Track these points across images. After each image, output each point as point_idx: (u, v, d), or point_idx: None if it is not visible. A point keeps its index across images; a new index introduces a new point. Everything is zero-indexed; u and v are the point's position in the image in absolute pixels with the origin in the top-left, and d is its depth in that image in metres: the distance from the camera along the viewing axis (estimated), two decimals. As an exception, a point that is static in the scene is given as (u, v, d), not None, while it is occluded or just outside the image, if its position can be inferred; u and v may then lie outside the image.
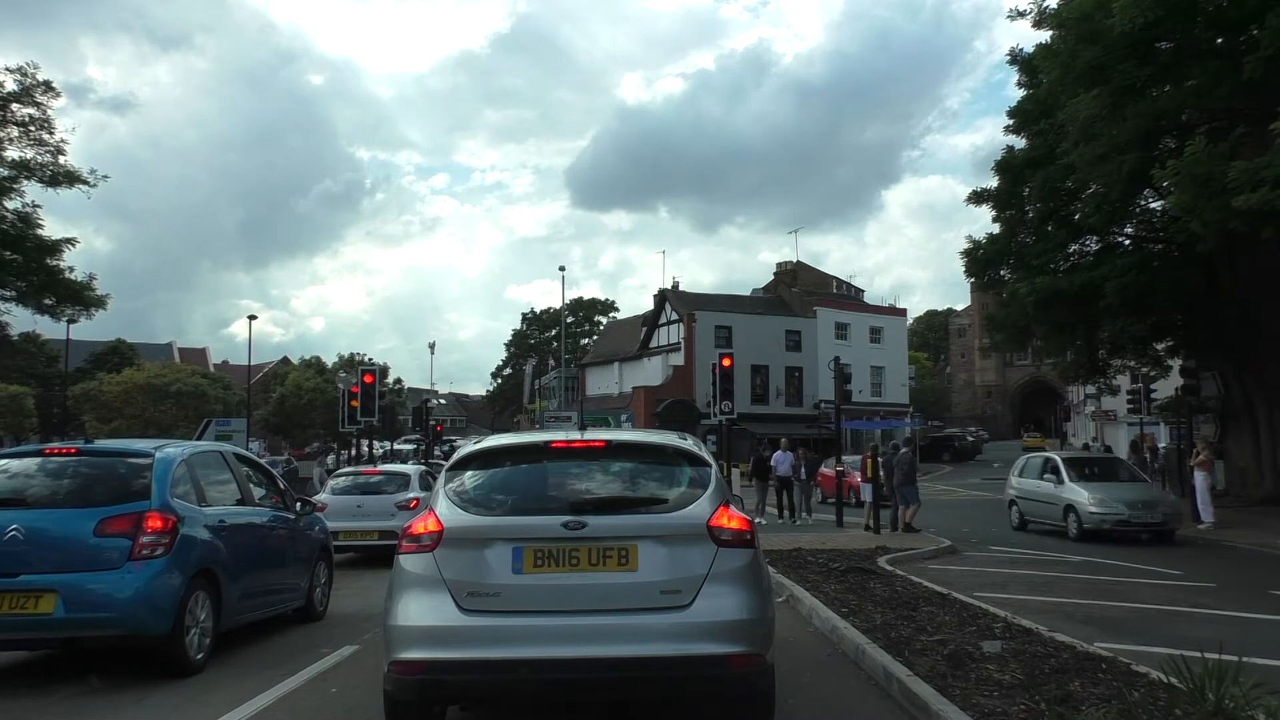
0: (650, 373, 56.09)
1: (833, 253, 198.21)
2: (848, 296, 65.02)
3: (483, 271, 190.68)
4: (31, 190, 28.87)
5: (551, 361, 78.45)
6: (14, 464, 7.29)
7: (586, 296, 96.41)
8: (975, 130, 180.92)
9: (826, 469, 24.25)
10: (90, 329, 45.68)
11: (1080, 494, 17.63)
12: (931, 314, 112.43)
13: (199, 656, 6.90)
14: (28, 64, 28.62)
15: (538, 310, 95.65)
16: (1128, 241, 23.79)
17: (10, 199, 28.48)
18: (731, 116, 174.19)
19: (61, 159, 28.88)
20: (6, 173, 28.43)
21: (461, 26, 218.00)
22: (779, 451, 21.84)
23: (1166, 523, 17.17)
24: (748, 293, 65.21)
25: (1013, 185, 23.86)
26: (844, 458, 21.79)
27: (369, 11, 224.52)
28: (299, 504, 9.23)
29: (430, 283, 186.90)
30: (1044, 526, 18.79)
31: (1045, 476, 19.11)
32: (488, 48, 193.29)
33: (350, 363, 67.53)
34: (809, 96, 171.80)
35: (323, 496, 14.82)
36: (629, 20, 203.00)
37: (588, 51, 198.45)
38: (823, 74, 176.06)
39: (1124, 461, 21.68)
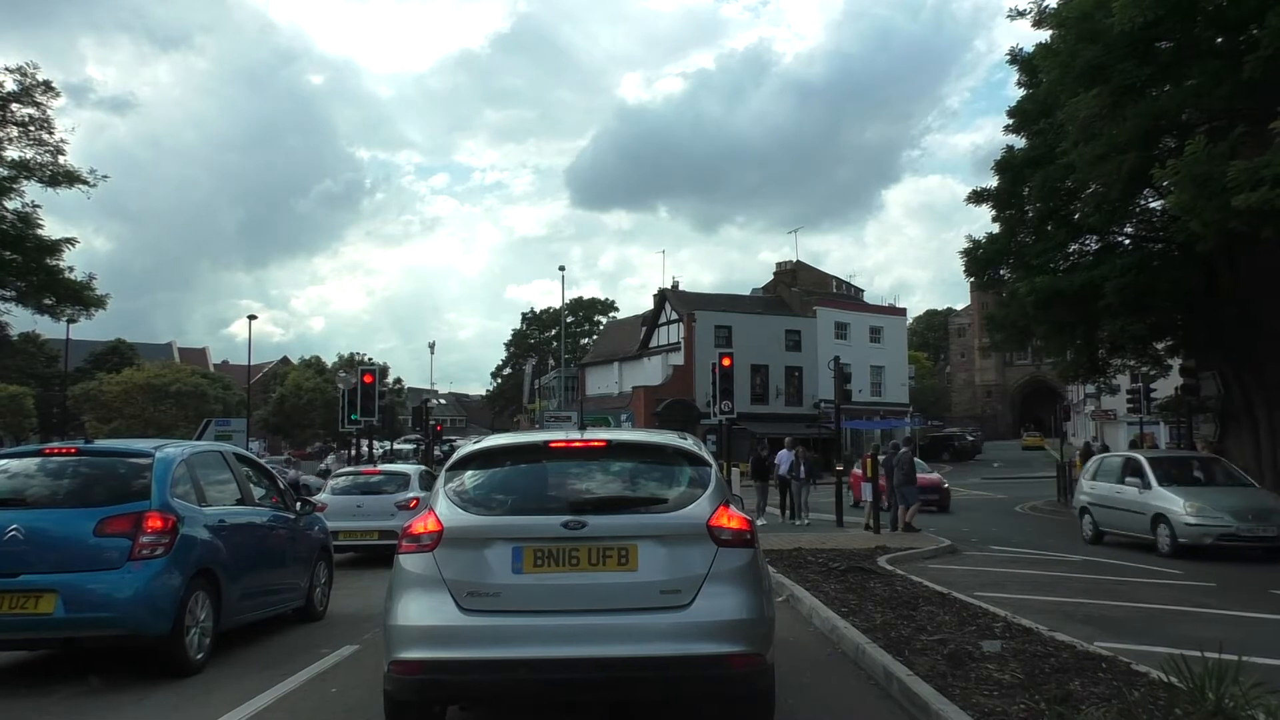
0: (650, 372, 56.09)
1: (833, 252, 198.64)
2: (847, 296, 65.03)
3: (483, 271, 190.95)
4: (31, 190, 28.87)
5: (551, 361, 78.46)
6: (14, 464, 7.29)
7: (586, 296, 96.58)
8: (975, 130, 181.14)
9: (858, 470, 24.04)
10: (90, 329, 45.80)
11: (1174, 501, 14.83)
12: (931, 314, 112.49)
13: (199, 656, 6.90)
14: (27, 64, 28.62)
15: (537, 310, 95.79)
16: (1127, 241, 23.79)
17: (10, 199, 28.47)
18: (732, 116, 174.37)
19: (61, 159, 28.87)
20: (6, 173, 28.38)
21: (462, 26, 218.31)
22: (782, 450, 21.73)
23: None
24: (747, 293, 65.23)
25: (1012, 185, 23.86)
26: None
27: (369, 11, 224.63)
28: (299, 504, 9.24)
29: (430, 283, 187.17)
30: (1126, 539, 16.23)
31: (1127, 480, 16.34)
32: (488, 47, 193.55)
33: (350, 363, 67.57)
34: (809, 96, 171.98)
35: (323, 496, 14.84)
36: (629, 20, 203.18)
37: (588, 51, 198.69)
38: (823, 73, 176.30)
39: (1223, 461, 18.20)
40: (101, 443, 8.43)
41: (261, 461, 10.32)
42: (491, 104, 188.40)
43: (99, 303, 30.71)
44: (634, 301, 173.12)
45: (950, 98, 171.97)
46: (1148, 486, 15.68)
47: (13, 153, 28.57)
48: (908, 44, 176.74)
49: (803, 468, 21.34)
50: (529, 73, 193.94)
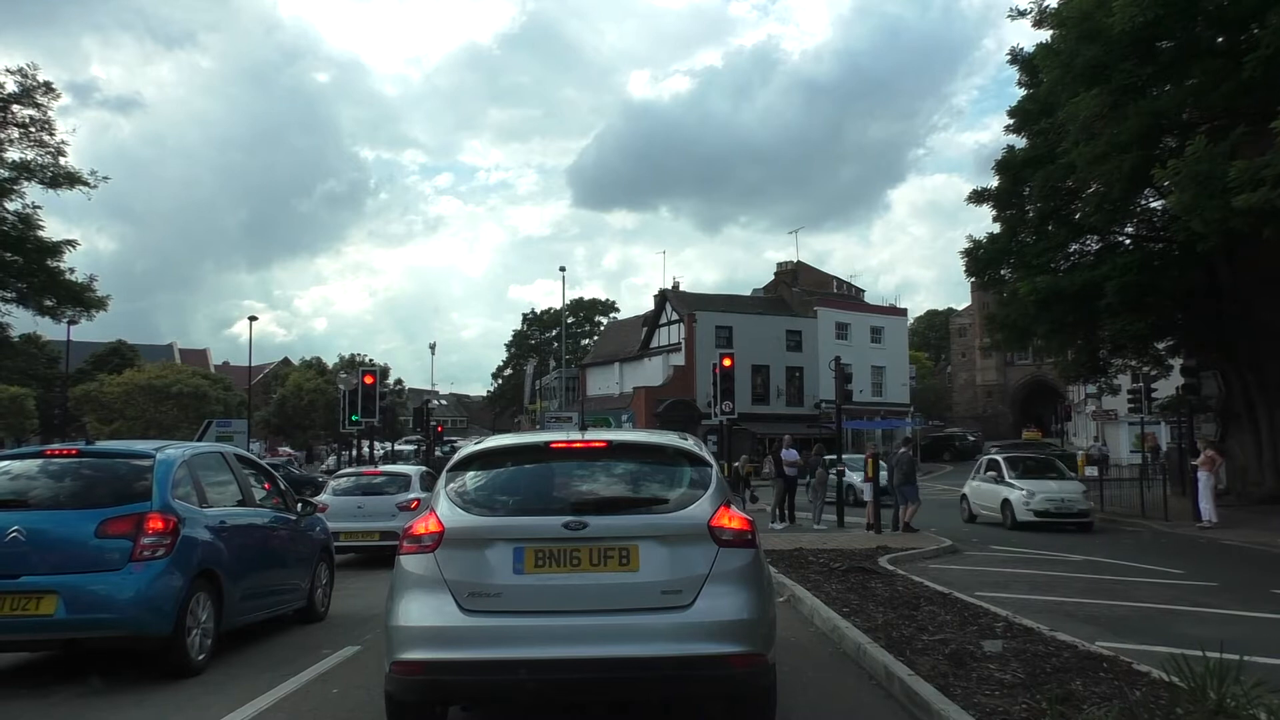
0: (651, 373, 56.09)
1: (837, 252, 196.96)
2: (848, 296, 65.02)
3: (486, 272, 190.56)
4: (32, 192, 28.96)
5: (552, 362, 78.48)
6: (15, 465, 7.29)
7: (589, 296, 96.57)
8: (983, 128, 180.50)
9: None
10: (93, 330, 45.94)
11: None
12: (932, 314, 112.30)
13: (200, 658, 6.90)
14: (28, 65, 28.73)
15: (538, 311, 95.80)
16: (1128, 240, 23.83)
17: (11, 200, 28.52)
18: (738, 115, 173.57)
19: (62, 160, 28.96)
20: (7, 174, 28.46)
21: (469, 23, 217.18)
22: (785, 449, 21.54)
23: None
24: (751, 292, 65.21)
25: (1013, 185, 23.89)
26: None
27: (376, 7, 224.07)
28: (300, 505, 9.24)
29: (433, 283, 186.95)
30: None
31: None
32: (494, 45, 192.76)
33: (351, 364, 67.64)
34: (816, 94, 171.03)
35: (324, 497, 14.83)
36: (637, 17, 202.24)
37: (595, 49, 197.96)
38: (830, 71, 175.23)
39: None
40: (102, 444, 8.45)
41: (262, 462, 10.32)
42: (497, 102, 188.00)
43: (100, 304, 30.78)
44: (638, 301, 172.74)
45: (957, 96, 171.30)
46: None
47: (13, 154, 28.67)
48: (915, 41, 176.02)
49: (817, 468, 21.13)
50: (535, 71, 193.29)
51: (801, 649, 7.62)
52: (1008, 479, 20.75)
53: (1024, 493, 19.84)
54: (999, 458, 22.51)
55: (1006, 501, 20.26)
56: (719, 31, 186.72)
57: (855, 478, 23.12)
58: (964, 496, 22.63)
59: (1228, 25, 17.11)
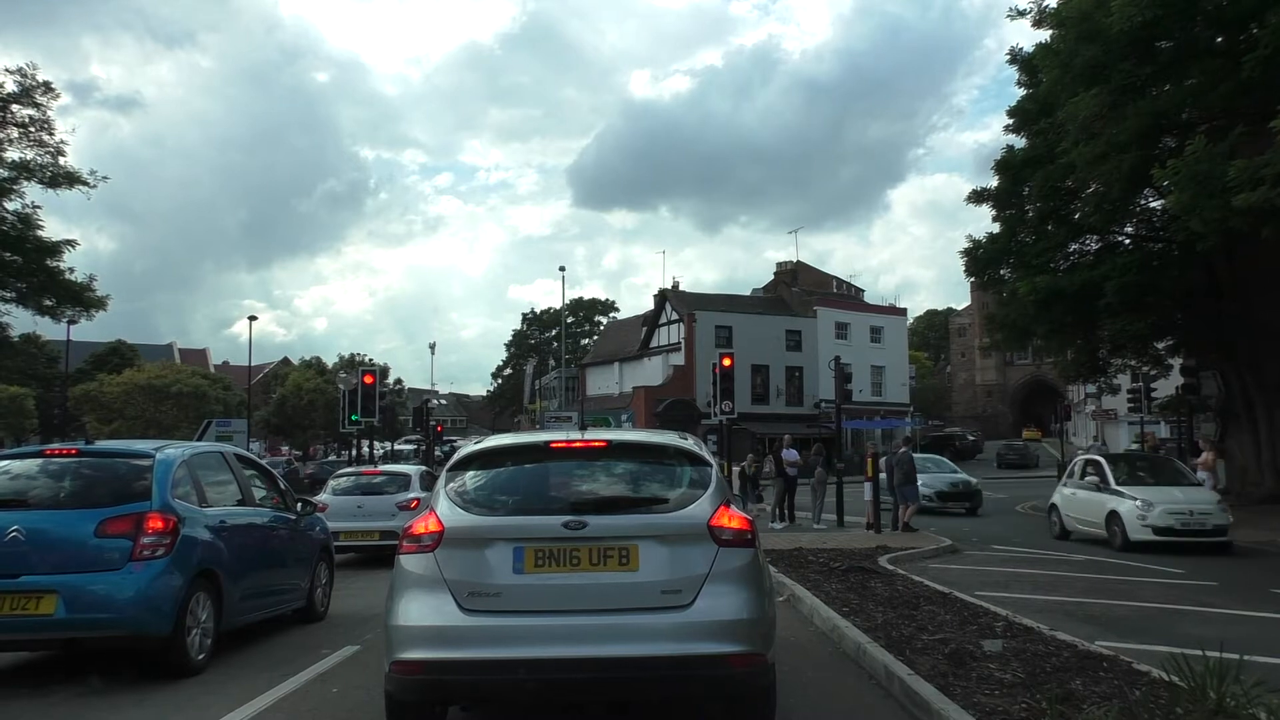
0: (650, 373, 56.09)
1: (837, 252, 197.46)
2: (848, 296, 65.04)
3: (486, 271, 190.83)
4: (31, 191, 28.94)
5: (552, 362, 78.47)
6: (15, 465, 7.29)
7: (588, 296, 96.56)
8: (983, 128, 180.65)
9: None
10: (92, 330, 45.97)
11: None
12: (932, 313, 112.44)
13: (200, 657, 6.90)
14: (27, 65, 28.72)
15: (538, 310, 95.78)
16: (1128, 240, 23.82)
17: (10, 200, 28.51)
18: (738, 114, 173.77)
19: (61, 160, 28.95)
20: (6, 174, 28.44)
21: (469, 23, 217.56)
22: (785, 449, 21.60)
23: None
24: (751, 292, 65.20)
25: (1013, 185, 23.87)
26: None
27: (376, 7, 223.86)
28: (299, 504, 9.24)
29: (433, 283, 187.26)
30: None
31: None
32: (495, 45, 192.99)
33: (350, 363, 67.67)
34: (816, 94, 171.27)
35: (324, 497, 14.84)
36: (637, 17, 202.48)
37: (595, 49, 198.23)
38: (830, 71, 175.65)
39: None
40: (102, 444, 8.43)
41: (262, 462, 10.32)
42: (497, 102, 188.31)
43: (99, 304, 30.77)
44: (638, 301, 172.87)
45: (957, 96, 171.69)
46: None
47: (13, 154, 28.65)
48: (916, 41, 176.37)
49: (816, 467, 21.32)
50: (535, 71, 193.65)
51: (801, 649, 7.62)
52: (1114, 485, 16.43)
53: (1138, 503, 15.53)
54: (1100, 458, 18.47)
55: (1114, 515, 15.91)
56: (719, 31, 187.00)
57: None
58: (1053, 507, 18.69)
59: (1227, 25, 17.09)
